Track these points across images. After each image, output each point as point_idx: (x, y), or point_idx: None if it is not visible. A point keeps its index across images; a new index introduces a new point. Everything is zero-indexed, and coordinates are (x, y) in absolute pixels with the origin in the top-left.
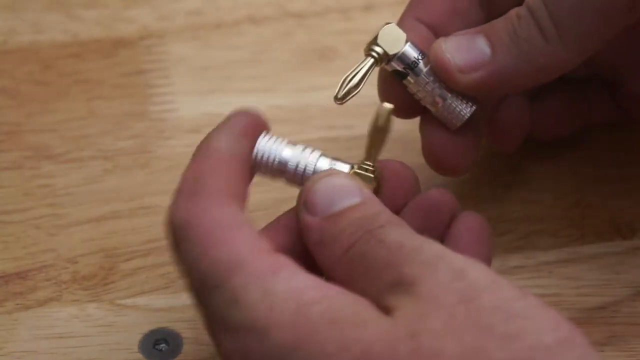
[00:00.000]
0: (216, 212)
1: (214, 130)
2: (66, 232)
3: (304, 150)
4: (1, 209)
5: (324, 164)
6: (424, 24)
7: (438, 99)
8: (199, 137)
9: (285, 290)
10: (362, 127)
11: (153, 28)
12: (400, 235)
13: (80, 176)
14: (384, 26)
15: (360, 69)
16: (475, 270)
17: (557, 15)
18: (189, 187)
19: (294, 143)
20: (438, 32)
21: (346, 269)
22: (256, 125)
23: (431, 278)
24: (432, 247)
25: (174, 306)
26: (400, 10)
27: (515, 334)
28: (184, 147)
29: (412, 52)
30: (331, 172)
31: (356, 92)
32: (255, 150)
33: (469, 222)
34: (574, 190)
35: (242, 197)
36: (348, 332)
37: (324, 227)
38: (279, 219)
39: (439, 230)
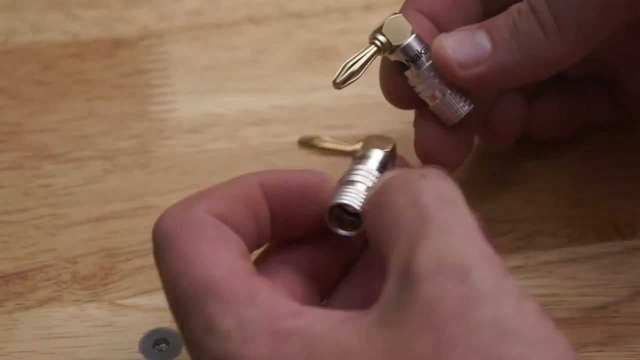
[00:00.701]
0: (203, 226)
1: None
2: (66, 232)
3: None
4: (1, 209)
5: None
6: (425, 15)
7: (437, 94)
8: (199, 137)
9: (260, 320)
10: (362, 127)
11: (153, 28)
12: (433, 196)
13: (80, 176)
14: (390, 16)
15: (363, 56)
16: (480, 271)
17: (557, 9)
18: (189, 199)
19: None
20: (439, 23)
21: (377, 215)
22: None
23: (433, 280)
24: (455, 228)
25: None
26: None
27: (505, 357)
28: (184, 147)
29: (415, 45)
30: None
31: (356, 78)
32: None
33: None
34: (574, 190)
35: (240, 228)
36: None
37: (385, 181)
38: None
39: None
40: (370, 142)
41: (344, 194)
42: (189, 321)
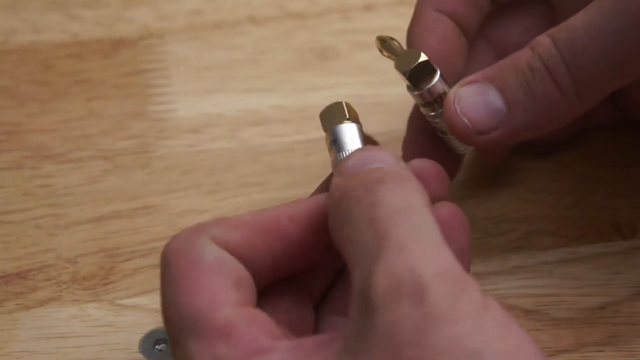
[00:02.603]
0: (202, 253)
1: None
2: (66, 232)
3: None
4: (1, 209)
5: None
6: (445, 13)
7: (447, 130)
8: (199, 137)
9: (233, 358)
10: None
11: (153, 28)
12: (389, 211)
13: (80, 176)
14: (419, 56)
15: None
16: (437, 289)
17: (576, 68)
18: (203, 223)
19: None
20: (459, 20)
21: (338, 225)
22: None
23: (391, 305)
24: (412, 244)
25: None
26: (400, 11)
27: None
28: (184, 147)
29: (437, 89)
30: (376, 147)
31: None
32: None
33: (441, 213)
34: (574, 190)
35: (251, 259)
36: None
37: (340, 183)
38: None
39: None
40: (326, 117)
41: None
42: (175, 351)
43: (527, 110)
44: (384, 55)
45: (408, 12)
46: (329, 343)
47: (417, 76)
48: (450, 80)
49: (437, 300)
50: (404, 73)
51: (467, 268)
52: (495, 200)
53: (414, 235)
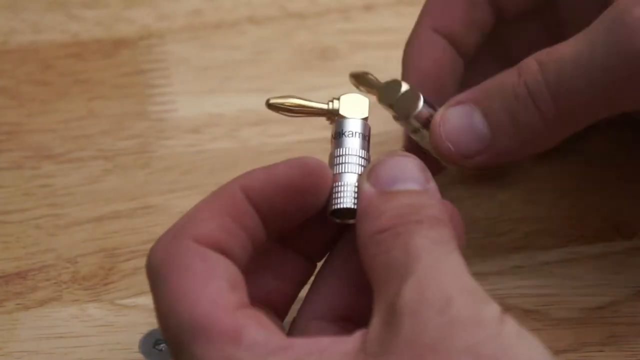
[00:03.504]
0: (190, 259)
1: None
2: (66, 232)
3: None
4: (1, 209)
5: None
6: (442, 34)
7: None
8: (199, 137)
9: (249, 359)
10: None
11: (153, 28)
12: (425, 240)
13: (80, 176)
14: (399, 85)
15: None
16: (461, 300)
17: (562, 101)
18: (178, 226)
19: None
20: (456, 40)
21: (372, 253)
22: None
23: (418, 311)
24: (442, 265)
25: None
26: (400, 10)
27: None
28: (184, 147)
29: (423, 115)
30: (407, 154)
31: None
32: None
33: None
34: (574, 190)
35: (231, 246)
36: None
37: (374, 200)
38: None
39: None
40: (343, 106)
41: (338, 197)
42: (179, 358)
43: (510, 137)
44: (361, 90)
45: (408, 12)
46: (344, 343)
47: (402, 106)
48: (440, 102)
49: (460, 309)
50: (390, 106)
51: None
52: (495, 200)
53: (444, 261)
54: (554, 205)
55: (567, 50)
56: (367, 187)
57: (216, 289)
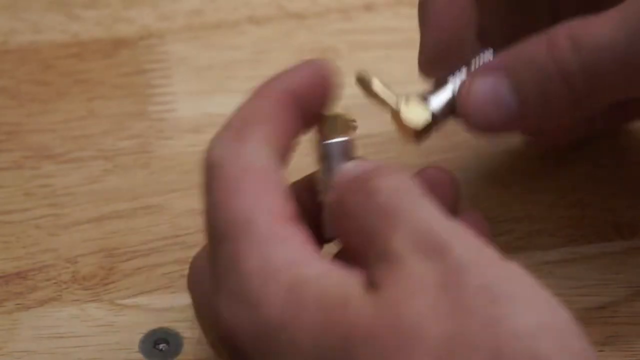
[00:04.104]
0: (253, 158)
1: (283, 73)
2: (66, 232)
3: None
4: (1, 209)
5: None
6: None
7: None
8: (199, 137)
9: (283, 263)
10: (363, 127)
11: (153, 28)
12: (394, 192)
13: (80, 176)
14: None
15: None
16: (460, 245)
17: (595, 84)
18: (236, 126)
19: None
20: None
21: (344, 228)
22: (321, 85)
23: (414, 256)
24: (421, 213)
25: (174, 306)
26: (400, 10)
27: (497, 319)
28: (184, 147)
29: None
30: (364, 161)
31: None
32: None
33: (466, 219)
34: (574, 190)
35: (286, 151)
36: (332, 315)
37: (336, 196)
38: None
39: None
40: (328, 127)
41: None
42: (217, 252)
43: (536, 109)
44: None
45: (408, 12)
46: (360, 274)
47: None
48: (460, 54)
49: (461, 254)
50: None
51: None
52: (495, 200)
53: (419, 205)
54: (554, 205)
55: (600, 32)
56: (331, 196)
57: (274, 196)
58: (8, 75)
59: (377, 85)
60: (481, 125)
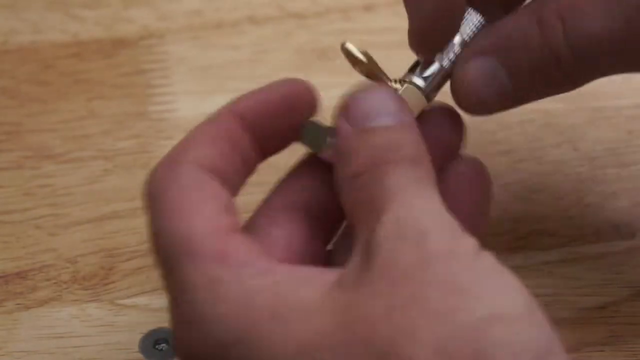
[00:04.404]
0: (187, 181)
1: (239, 96)
2: (66, 232)
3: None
4: (1, 209)
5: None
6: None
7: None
8: None
9: (231, 279)
10: None
11: (153, 28)
12: (402, 178)
13: (80, 176)
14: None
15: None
16: (437, 234)
17: (587, 65)
18: (174, 152)
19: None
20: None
21: (349, 194)
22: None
23: (393, 244)
24: (413, 200)
25: None
26: (400, 11)
27: (447, 312)
28: None
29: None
30: (380, 85)
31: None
32: None
33: (462, 169)
34: (574, 190)
35: (227, 169)
36: (290, 324)
37: (351, 138)
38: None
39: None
40: (306, 137)
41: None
42: (168, 279)
43: (530, 87)
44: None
45: None
46: (325, 274)
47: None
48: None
49: (435, 243)
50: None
51: (485, 223)
52: (494, 199)
53: (420, 198)
54: (554, 205)
55: (592, 17)
56: (344, 124)
57: (211, 210)
58: (8, 75)
59: (368, 61)
60: (476, 106)
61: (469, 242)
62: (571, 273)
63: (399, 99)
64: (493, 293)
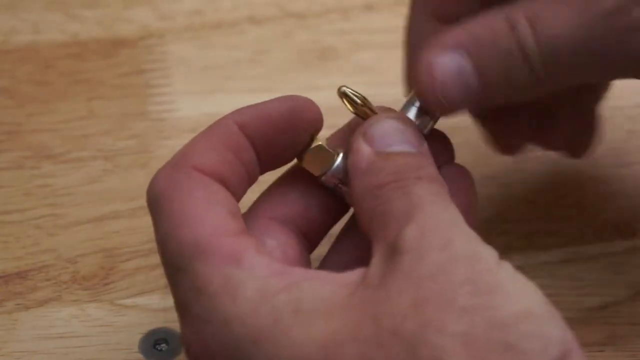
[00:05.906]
0: (192, 186)
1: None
2: (66, 232)
3: None
4: (1, 209)
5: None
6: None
7: None
8: None
9: (247, 279)
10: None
11: (153, 28)
12: (425, 192)
13: (80, 176)
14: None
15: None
16: (462, 241)
17: (553, 66)
18: (176, 158)
19: None
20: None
21: (371, 205)
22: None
23: (419, 247)
24: (440, 213)
25: (174, 306)
26: (400, 10)
27: (475, 308)
28: None
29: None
30: (399, 114)
31: None
32: None
33: (449, 173)
34: (574, 190)
35: (230, 177)
36: (313, 321)
37: (373, 159)
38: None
39: None
40: (307, 160)
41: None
42: (177, 280)
43: (498, 88)
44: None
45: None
46: (344, 276)
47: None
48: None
49: (459, 247)
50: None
51: (475, 223)
52: (495, 200)
53: (444, 211)
54: (554, 205)
55: (560, 22)
56: (364, 146)
57: (218, 214)
58: (8, 75)
59: (366, 104)
60: (442, 104)
61: (491, 251)
62: (571, 273)
63: (416, 127)
64: (517, 293)
